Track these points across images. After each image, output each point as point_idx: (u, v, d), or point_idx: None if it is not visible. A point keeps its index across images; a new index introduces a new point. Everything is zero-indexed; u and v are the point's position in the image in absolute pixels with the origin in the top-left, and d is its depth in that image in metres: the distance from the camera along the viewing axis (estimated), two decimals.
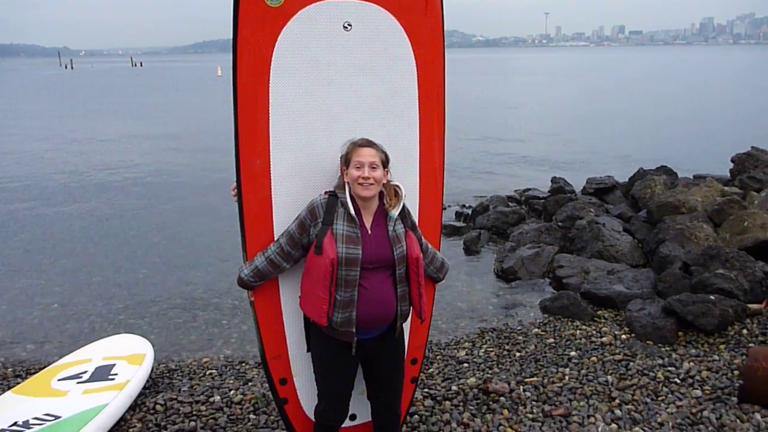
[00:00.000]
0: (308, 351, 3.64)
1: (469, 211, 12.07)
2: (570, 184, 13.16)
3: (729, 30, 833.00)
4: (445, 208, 12.15)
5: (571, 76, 71.23)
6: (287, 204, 3.52)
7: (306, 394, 3.82)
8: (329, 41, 3.47)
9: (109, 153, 20.71)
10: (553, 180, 13.40)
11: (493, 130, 25.35)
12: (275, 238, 3.49)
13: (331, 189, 3.42)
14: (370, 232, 3.32)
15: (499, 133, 24.50)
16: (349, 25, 3.48)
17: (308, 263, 3.35)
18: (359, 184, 3.24)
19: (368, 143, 3.31)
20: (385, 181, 3.35)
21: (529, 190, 13.43)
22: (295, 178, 3.53)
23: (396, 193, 3.41)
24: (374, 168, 3.25)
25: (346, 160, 3.32)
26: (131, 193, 14.68)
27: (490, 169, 17.44)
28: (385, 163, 3.33)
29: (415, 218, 3.67)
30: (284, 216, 3.50)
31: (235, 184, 3.51)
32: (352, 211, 3.27)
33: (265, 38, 3.37)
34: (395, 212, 3.36)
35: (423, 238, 3.64)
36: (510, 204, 12.25)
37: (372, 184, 3.24)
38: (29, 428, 4.35)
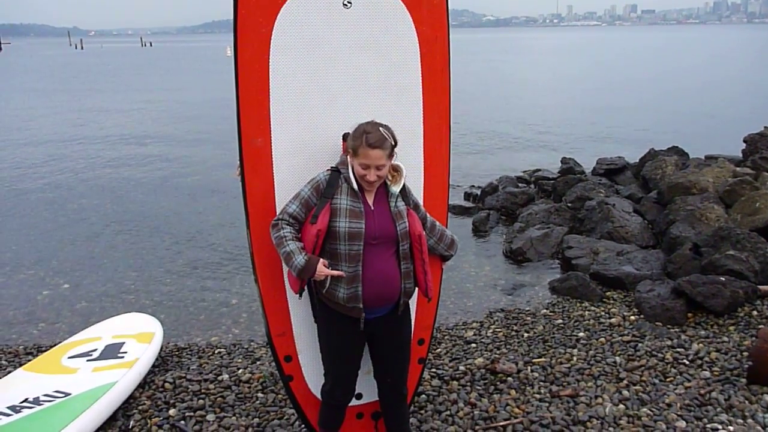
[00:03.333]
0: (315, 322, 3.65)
1: (478, 192, 12.02)
2: (580, 164, 13.09)
3: (743, 8, 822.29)
4: (454, 189, 12.13)
5: (582, 57, 70.64)
6: (289, 182, 3.52)
7: (310, 371, 3.83)
8: (329, 19, 3.45)
9: (118, 134, 20.72)
10: (563, 161, 13.32)
11: (502, 110, 25.22)
12: (279, 225, 3.32)
13: (334, 166, 3.41)
14: (373, 207, 3.32)
15: (509, 114, 24.36)
16: (348, 2, 3.45)
17: (302, 231, 3.35)
18: (363, 179, 3.24)
19: (379, 143, 3.17)
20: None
21: (538, 170, 13.36)
22: (297, 156, 3.53)
23: (396, 169, 3.39)
24: (380, 168, 3.22)
25: (352, 149, 3.23)
26: (141, 174, 14.72)
27: (500, 150, 17.37)
28: (392, 154, 3.26)
29: (421, 198, 3.67)
30: (286, 194, 3.49)
31: (238, 162, 3.50)
32: (356, 186, 3.27)
33: (264, 17, 3.36)
34: (396, 189, 3.35)
35: (429, 215, 3.62)
36: (519, 184, 12.20)
37: (375, 181, 3.25)
38: (40, 404, 4.40)
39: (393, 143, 3.25)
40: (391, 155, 3.26)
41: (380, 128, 3.21)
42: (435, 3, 3.62)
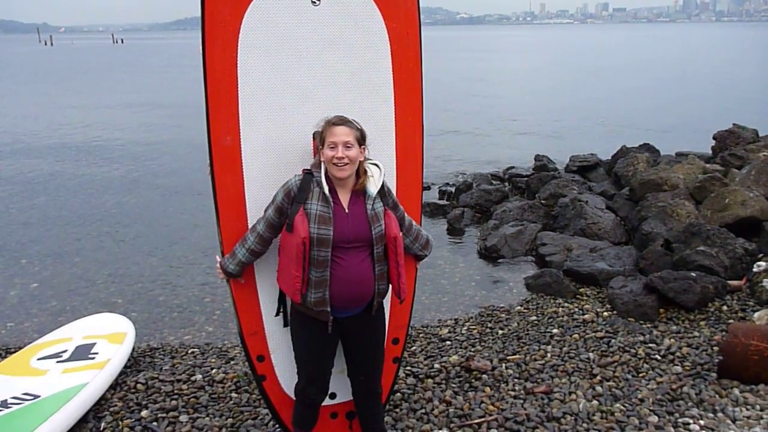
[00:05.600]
0: (285, 326, 3.63)
1: (453, 189, 12.05)
2: (553, 161, 13.19)
3: (712, 7, 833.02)
4: (428, 188, 12.18)
5: (555, 54, 71.13)
6: (259, 180, 3.49)
7: (283, 371, 3.80)
8: (297, 17, 3.42)
9: (88, 131, 20.46)
10: (537, 158, 13.42)
11: (476, 108, 25.30)
12: (248, 220, 3.45)
13: (308, 167, 3.37)
14: (347, 210, 3.28)
15: (483, 111, 24.45)
16: None
17: (282, 241, 3.34)
18: (334, 164, 3.19)
19: (342, 121, 3.23)
20: (362, 159, 3.31)
21: (512, 167, 13.44)
22: (267, 154, 3.50)
23: (365, 171, 3.34)
24: (349, 147, 3.18)
25: (321, 140, 3.26)
26: (111, 172, 14.54)
27: (474, 147, 17.42)
28: (361, 140, 3.27)
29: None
30: (257, 192, 3.48)
31: (209, 161, 3.47)
32: (327, 191, 3.23)
33: (231, 14, 3.32)
34: (374, 190, 3.31)
35: (406, 215, 3.60)
36: (493, 182, 12.26)
37: (347, 164, 3.19)
38: (8, 407, 4.31)
39: (359, 127, 3.27)
40: (359, 141, 3.25)
41: (344, 115, 3.27)
42: None
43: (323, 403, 3.72)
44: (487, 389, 4.89)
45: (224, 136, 3.42)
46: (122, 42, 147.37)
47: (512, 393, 4.82)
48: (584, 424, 4.33)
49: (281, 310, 3.63)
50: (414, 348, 5.85)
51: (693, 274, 6.49)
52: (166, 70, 51.63)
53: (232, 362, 5.63)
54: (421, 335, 6.22)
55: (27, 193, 12.54)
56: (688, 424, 4.28)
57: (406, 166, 3.79)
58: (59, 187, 13.08)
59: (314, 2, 3.42)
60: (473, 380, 5.04)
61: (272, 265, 3.51)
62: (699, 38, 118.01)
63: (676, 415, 4.42)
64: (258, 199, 3.45)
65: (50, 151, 17.08)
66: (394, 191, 3.66)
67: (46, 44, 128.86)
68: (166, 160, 15.80)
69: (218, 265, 3.55)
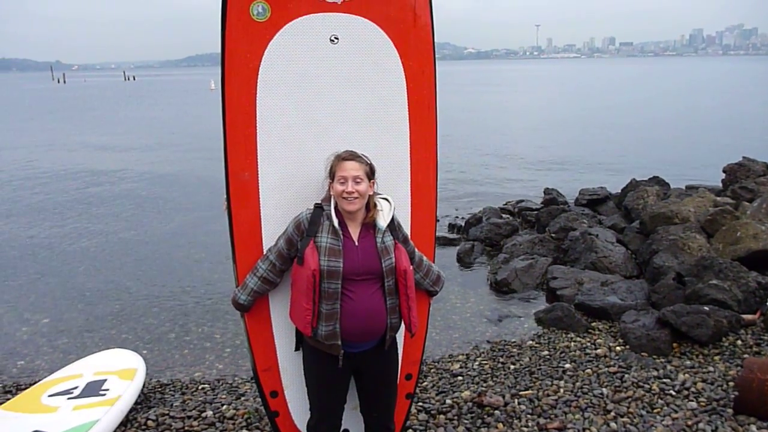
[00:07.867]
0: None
1: (463, 223, 12.06)
2: (563, 195, 13.20)
3: (718, 41, 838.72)
4: (438, 220, 12.14)
5: (563, 88, 71.50)
6: (276, 217, 3.53)
7: (297, 407, 3.79)
8: (316, 54, 3.49)
9: (98, 166, 20.59)
10: (546, 191, 13.43)
11: (486, 142, 25.38)
12: (264, 253, 3.50)
13: (319, 202, 3.41)
14: (357, 243, 3.31)
15: (492, 145, 24.52)
16: (336, 38, 3.49)
17: (293, 274, 3.36)
18: (343, 198, 3.23)
19: (352, 156, 3.29)
20: (371, 193, 3.34)
21: (522, 201, 13.44)
22: (284, 190, 3.54)
23: (375, 205, 3.38)
24: (358, 182, 3.23)
25: (330, 174, 3.31)
26: (121, 207, 14.60)
27: (483, 181, 17.45)
28: (371, 174, 3.32)
29: (408, 231, 3.66)
30: (273, 228, 3.51)
31: (225, 196, 3.50)
32: (336, 224, 3.26)
33: (252, 52, 3.40)
34: (383, 224, 3.34)
35: (417, 250, 3.62)
36: (503, 215, 12.25)
37: (356, 198, 3.23)
38: None
39: (369, 162, 3.32)
40: (369, 175, 3.30)
41: (354, 150, 3.33)
42: (421, 38, 3.67)
43: None
44: (500, 425, 4.84)
45: (242, 171, 3.47)
46: (134, 79, 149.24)
47: (525, 429, 4.78)
48: None
49: (301, 345, 3.62)
50: (425, 383, 5.81)
51: (706, 308, 6.43)
52: (179, 105, 52.07)
53: (242, 398, 5.61)
54: (432, 370, 6.18)
55: (34, 229, 12.60)
56: None
57: (420, 201, 3.82)
58: (67, 220, 13.15)
59: (333, 40, 3.49)
60: (485, 416, 4.99)
61: (287, 301, 3.52)
62: (706, 72, 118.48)
63: None
64: (274, 235, 3.48)
65: (58, 183, 17.21)
66: (408, 227, 3.69)
67: (59, 82, 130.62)
68: (176, 195, 15.88)
69: (231, 298, 3.57)
